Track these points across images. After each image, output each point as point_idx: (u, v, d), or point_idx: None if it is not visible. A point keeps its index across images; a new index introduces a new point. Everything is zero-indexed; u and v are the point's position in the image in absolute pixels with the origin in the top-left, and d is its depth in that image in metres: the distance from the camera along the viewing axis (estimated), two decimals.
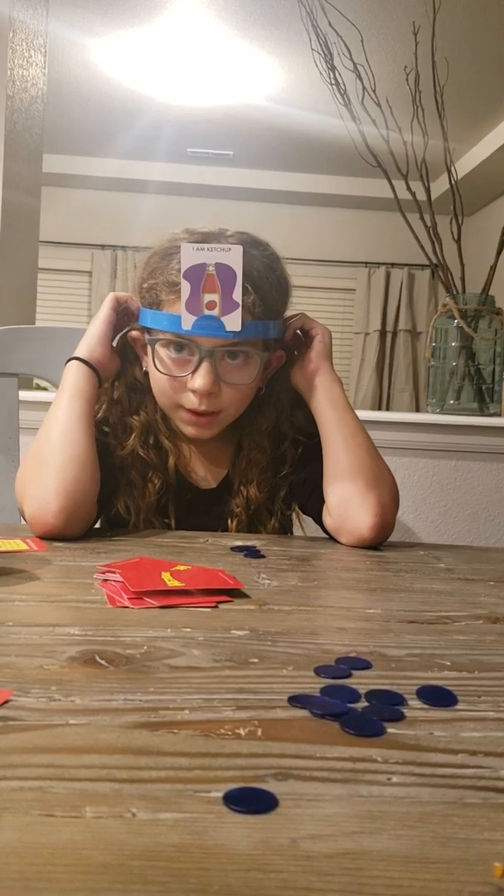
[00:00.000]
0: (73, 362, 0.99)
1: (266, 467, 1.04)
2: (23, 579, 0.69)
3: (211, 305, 0.92)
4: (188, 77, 3.81)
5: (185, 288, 0.91)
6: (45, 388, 2.10)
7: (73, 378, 0.97)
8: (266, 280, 0.96)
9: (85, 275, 5.60)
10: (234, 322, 0.92)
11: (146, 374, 1.02)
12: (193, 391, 0.94)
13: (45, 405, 1.67)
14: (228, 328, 0.92)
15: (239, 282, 0.91)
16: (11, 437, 1.26)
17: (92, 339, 1.00)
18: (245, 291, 0.92)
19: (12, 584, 0.67)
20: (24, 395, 1.35)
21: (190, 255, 0.91)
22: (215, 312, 0.92)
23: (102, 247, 5.53)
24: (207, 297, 0.92)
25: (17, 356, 1.25)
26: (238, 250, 0.91)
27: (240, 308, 0.92)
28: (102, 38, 3.46)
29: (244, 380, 0.97)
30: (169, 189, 5.21)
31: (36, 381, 2.08)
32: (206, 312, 0.91)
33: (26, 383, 2.00)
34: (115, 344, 1.03)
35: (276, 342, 1.01)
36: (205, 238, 0.96)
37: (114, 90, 4.02)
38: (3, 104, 1.94)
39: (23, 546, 0.80)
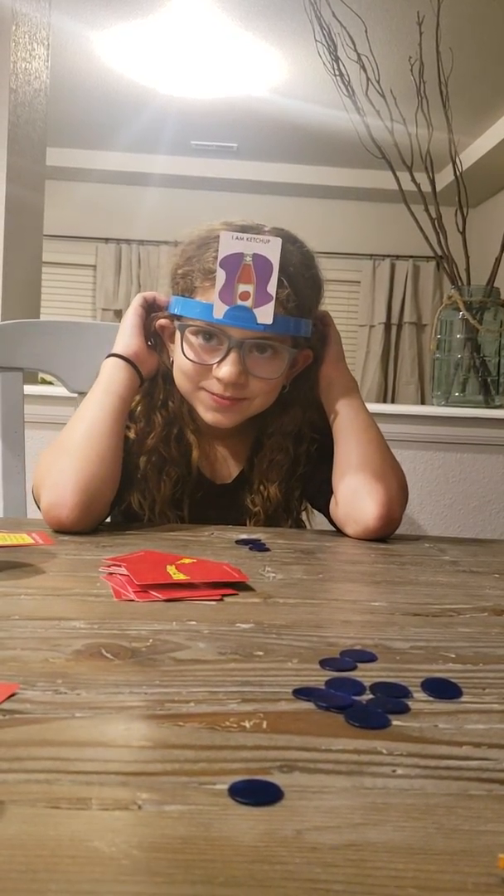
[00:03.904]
0: (110, 358, 0.99)
1: (287, 468, 1.05)
2: (28, 573, 0.69)
3: (245, 296, 0.91)
4: (191, 69, 3.80)
5: (221, 276, 0.91)
6: (50, 383, 2.10)
7: (108, 373, 0.98)
8: (302, 276, 0.96)
9: (89, 268, 5.60)
10: (266, 315, 0.91)
11: (172, 363, 1.01)
12: (219, 380, 0.94)
13: (51, 399, 1.68)
14: (260, 320, 0.91)
15: (275, 274, 0.90)
16: (17, 432, 1.26)
17: (125, 334, 1.00)
18: (280, 285, 0.91)
19: (18, 577, 0.68)
20: (29, 389, 1.35)
21: (228, 244, 0.90)
22: (248, 303, 0.91)
23: (106, 240, 5.53)
24: (242, 288, 0.91)
25: (22, 350, 1.25)
26: (277, 242, 0.91)
27: (273, 301, 0.91)
28: (105, 30, 3.45)
29: (271, 374, 0.96)
30: (173, 182, 5.21)
31: (41, 375, 2.08)
32: (240, 303, 0.91)
33: (31, 377, 2.00)
34: (150, 342, 1.02)
35: (304, 341, 1.01)
36: (243, 230, 0.95)
37: (117, 83, 4.01)
38: (7, 98, 1.94)
39: (28, 540, 0.80)
